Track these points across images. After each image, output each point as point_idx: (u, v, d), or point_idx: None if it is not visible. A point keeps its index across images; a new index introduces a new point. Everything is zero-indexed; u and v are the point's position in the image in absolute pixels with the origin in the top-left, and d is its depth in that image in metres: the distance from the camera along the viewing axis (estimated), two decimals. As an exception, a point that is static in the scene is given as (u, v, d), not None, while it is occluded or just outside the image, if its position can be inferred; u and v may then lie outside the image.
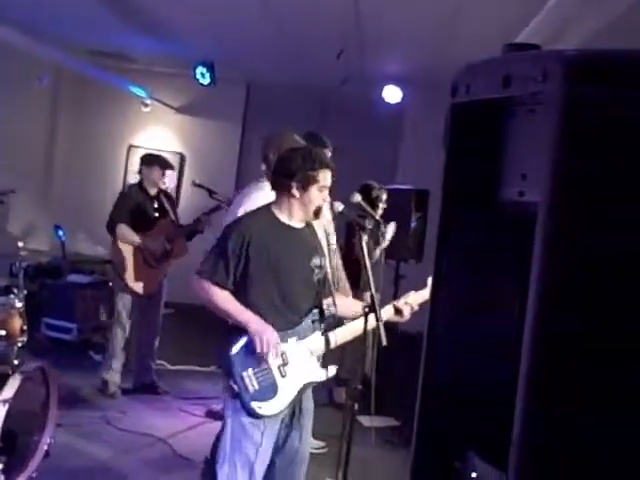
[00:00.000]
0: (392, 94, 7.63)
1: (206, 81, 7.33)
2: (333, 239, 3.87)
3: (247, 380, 2.66)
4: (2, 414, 3.13)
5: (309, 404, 2.93)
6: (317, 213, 2.86)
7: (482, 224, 1.91)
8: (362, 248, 2.88)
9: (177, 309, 7.01)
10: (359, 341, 2.87)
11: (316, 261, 2.87)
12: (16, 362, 3.39)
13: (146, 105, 8.57)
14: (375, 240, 4.86)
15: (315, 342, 2.83)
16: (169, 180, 5.64)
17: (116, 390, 5.12)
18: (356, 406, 2.88)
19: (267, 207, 2.87)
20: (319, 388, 2.98)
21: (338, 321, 2.93)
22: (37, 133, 8.54)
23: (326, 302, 2.91)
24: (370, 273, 2.81)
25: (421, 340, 1.98)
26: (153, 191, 5.29)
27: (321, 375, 2.86)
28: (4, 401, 3.16)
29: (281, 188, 2.83)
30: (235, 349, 2.68)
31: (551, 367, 1.54)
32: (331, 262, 3.50)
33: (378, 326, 2.73)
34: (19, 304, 3.49)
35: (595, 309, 1.53)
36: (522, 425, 1.56)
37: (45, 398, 3.57)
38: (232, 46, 6.94)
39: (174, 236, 5.22)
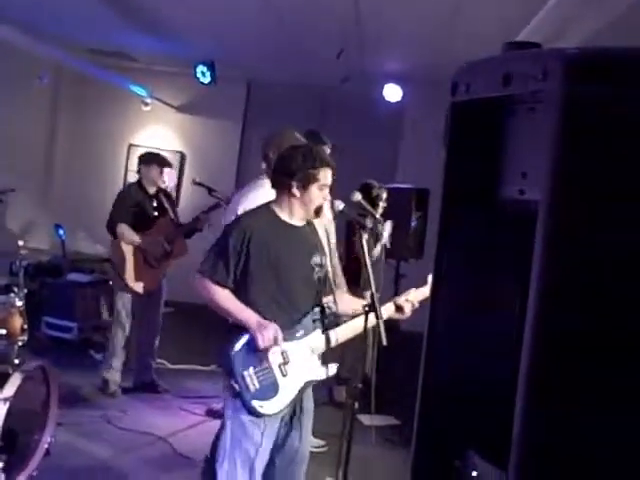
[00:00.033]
0: (392, 93, 7.63)
1: (207, 80, 7.33)
2: (333, 238, 3.87)
3: (248, 379, 2.66)
4: (3, 413, 3.13)
5: (309, 403, 2.93)
6: (318, 212, 2.86)
7: (482, 223, 1.91)
8: (362, 247, 2.88)
9: (178, 308, 7.01)
10: (360, 340, 2.87)
11: (316, 259, 2.87)
12: (16, 361, 3.39)
13: (146, 104, 8.57)
14: (374, 239, 4.86)
15: (316, 340, 2.83)
16: (169, 178, 5.64)
17: (116, 389, 5.12)
18: (356, 405, 2.88)
19: (267, 205, 2.87)
20: (319, 387, 2.98)
21: (338, 319, 2.93)
22: (37, 132, 8.55)
23: (326, 300, 2.91)
24: (370, 271, 2.81)
25: (421, 339, 1.98)
26: (152, 190, 5.29)
27: (322, 374, 2.85)
28: (5, 400, 3.16)
29: (281, 187, 2.82)
30: (236, 348, 2.68)
31: (551, 365, 1.54)
32: (332, 260, 3.50)
33: (378, 324, 2.73)
34: (19, 303, 3.49)
35: (595, 307, 1.53)
36: (522, 423, 1.56)
37: (45, 397, 3.57)
38: (232, 45, 6.94)
39: (173, 236, 5.21)
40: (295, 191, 2.77)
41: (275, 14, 5.57)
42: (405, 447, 3.86)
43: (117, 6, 5.86)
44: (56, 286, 6.47)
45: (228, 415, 2.78)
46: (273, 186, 2.89)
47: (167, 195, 5.48)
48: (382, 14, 5.33)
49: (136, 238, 5.05)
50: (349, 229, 5.16)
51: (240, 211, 3.26)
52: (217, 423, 3.60)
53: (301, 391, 2.80)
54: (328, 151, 3.76)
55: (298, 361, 2.77)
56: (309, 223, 2.92)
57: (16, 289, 3.53)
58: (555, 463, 1.55)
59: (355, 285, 4.18)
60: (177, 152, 8.82)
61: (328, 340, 2.85)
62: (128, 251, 5.06)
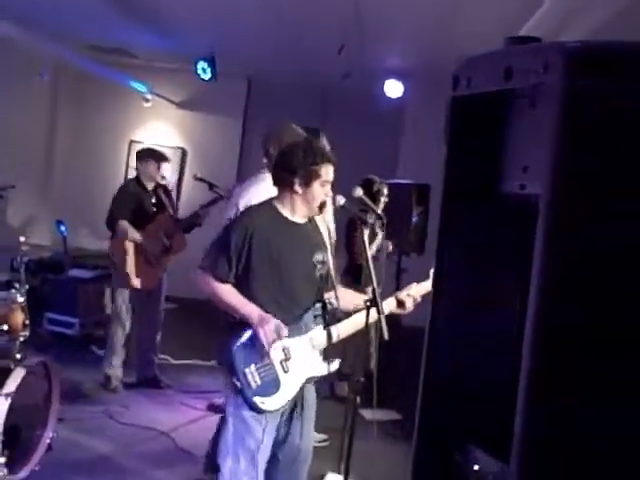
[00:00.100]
0: (393, 89, 7.62)
1: (207, 76, 7.32)
2: (333, 232, 3.87)
3: (249, 376, 2.66)
4: (5, 408, 3.14)
5: (312, 398, 2.93)
6: (321, 207, 2.85)
7: (483, 218, 1.91)
8: (364, 242, 2.88)
9: (180, 304, 7.02)
10: (361, 335, 2.87)
11: (318, 257, 2.86)
12: (18, 357, 3.40)
13: (147, 100, 8.56)
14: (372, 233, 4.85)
15: (317, 336, 2.82)
16: (169, 174, 5.63)
17: (118, 384, 5.13)
18: (358, 399, 2.88)
19: (270, 202, 2.86)
20: (320, 381, 2.98)
21: (339, 315, 2.93)
22: (38, 129, 8.54)
23: (328, 296, 2.91)
24: (372, 266, 2.81)
25: (423, 334, 1.98)
26: (150, 186, 5.29)
27: (323, 369, 2.85)
28: (7, 395, 3.17)
29: (283, 184, 2.81)
30: (237, 345, 2.68)
31: (552, 358, 1.54)
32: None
33: (380, 319, 2.73)
34: (21, 299, 3.49)
35: (596, 300, 1.53)
36: (523, 416, 1.56)
37: (47, 392, 3.58)
38: (233, 41, 6.93)
39: (173, 231, 5.21)
40: (297, 188, 2.77)
41: (275, 10, 5.56)
42: (407, 441, 3.85)
43: (117, 2, 5.85)
44: (58, 282, 6.48)
45: (230, 412, 2.78)
46: (275, 183, 2.87)
47: (166, 190, 5.48)
48: (383, 10, 5.32)
49: (137, 235, 5.05)
50: (350, 225, 5.16)
51: (241, 205, 3.26)
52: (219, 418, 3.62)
53: (302, 387, 2.80)
54: (325, 143, 3.75)
55: (299, 357, 2.77)
56: (311, 220, 2.91)
57: (17, 285, 3.53)
58: (556, 455, 1.56)
59: (356, 281, 4.18)
60: (178, 148, 8.82)
61: (329, 336, 2.84)
62: (128, 248, 5.06)
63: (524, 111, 1.80)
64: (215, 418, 3.94)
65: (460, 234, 1.92)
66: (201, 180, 5.38)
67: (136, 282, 5.07)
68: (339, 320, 2.90)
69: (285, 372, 2.73)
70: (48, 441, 3.53)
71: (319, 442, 4.12)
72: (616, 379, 1.52)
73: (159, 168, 5.29)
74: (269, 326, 2.65)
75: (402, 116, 8.27)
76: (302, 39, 6.46)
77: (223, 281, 2.72)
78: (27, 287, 3.58)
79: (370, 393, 3.12)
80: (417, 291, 3.05)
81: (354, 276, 4.68)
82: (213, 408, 4.82)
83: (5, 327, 3.41)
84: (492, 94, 1.79)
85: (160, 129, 8.99)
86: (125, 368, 5.20)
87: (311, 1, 5.33)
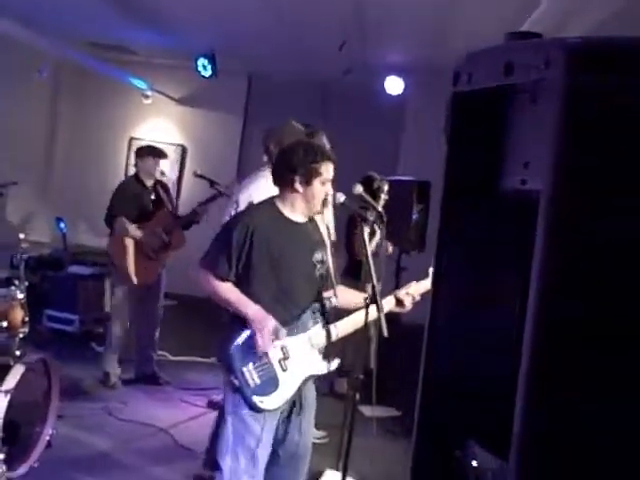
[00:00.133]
0: (394, 85, 7.61)
1: (207, 73, 7.30)
2: (333, 231, 3.86)
3: (247, 375, 2.65)
4: (4, 405, 3.14)
5: (311, 395, 2.93)
6: (323, 204, 2.84)
7: (484, 215, 1.90)
8: (364, 239, 2.87)
9: (179, 301, 7.02)
10: (361, 333, 2.86)
11: (318, 256, 2.85)
12: (18, 353, 3.39)
13: (147, 97, 8.55)
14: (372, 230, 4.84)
15: (316, 335, 2.81)
16: (167, 169, 5.63)
17: (117, 381, 5.13)
18: (357, 396, 2.88)
19: (270, 201, 2.85)
20: (320, 378, 2.98)
21: (338, 313, 2.92)
22: (38, 125, 8.53)
23: (327, 294, 2.90)
24: (372, 264, 2.80)
25: (422, 331, 1.97)
26: (149, 182, 5.29)
27: (322, 368, 2.84)
28: (6, 392, 3.17)
29: (284, 182, 2.81)
30: (235, 344, 2.67)
31: (553, 353, 1.54)
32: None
33: (379, 317, 2.72)
34: (20, 295, 3.49)
35: (597, 295, 1.52)
36: (524, 410, 1.55)
37: (47, 389, 3.58)
38: (233, 37, 6.91)
39: (171, 227, 5.21)
40: (298, 186, 2.76)
41: (276, 6, 5.55)
42: (406, 438, 3.86)
43: (118, 1, 5.84)
44: (57, 279, 6.47)
45: (229, 411, 2.77)
46: (275, 182, 2.87)
47: (164, 187, 5.48)
48: (384, 6, 5.30)
49: (137, 233, 5.05)
50: (350, 222, 5.15)
51: (241, 201, 3.25)
52: (218, 415, 3.61)
53: (301, 386, 2.79)
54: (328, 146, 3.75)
55: (298, 356, 2.76)
56: (311, 219, 2.91)
57: (17, 282, 3.53)
58: (556, 451, 1.56)
59: (356, 278, 4.17)
60: (178, 145, 8.81)
61: (329, 335, 2.84)
62: (127, 244, 5.06)
63: (525, 107, 1.79)
64: (214, 415, 3.94)
65: (460, 231, 1.92)
66: (201, 177, 5.37)
67: (135, 279, 5.07)
68: (339, 318, 2.89)
69: (284, 371, 2.72)
70: (47, 438, 3.53)
71: (318, 439, 4.12)
72: (617, 374, 1.52)
73: (157, 164, 5.30)
74: (267, 329, 2.64)
75: (403, 113, 8.26)
76: (303, 35, 6.45)
77: (223, 279, 2.71)
78: (27, 284, 3.58)
79: (369, 390, 3.12)
80: (416, 290, 3.04)
81: (354, 273, 4.67)
82: (212, 405, 4.82)
83: (5, 324, 3.41)
84: (493, 90, 1.78)
85: (160, 126, 8.99)
86: (124, 365, 5.20)
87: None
